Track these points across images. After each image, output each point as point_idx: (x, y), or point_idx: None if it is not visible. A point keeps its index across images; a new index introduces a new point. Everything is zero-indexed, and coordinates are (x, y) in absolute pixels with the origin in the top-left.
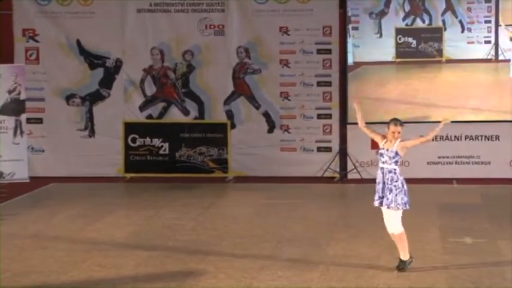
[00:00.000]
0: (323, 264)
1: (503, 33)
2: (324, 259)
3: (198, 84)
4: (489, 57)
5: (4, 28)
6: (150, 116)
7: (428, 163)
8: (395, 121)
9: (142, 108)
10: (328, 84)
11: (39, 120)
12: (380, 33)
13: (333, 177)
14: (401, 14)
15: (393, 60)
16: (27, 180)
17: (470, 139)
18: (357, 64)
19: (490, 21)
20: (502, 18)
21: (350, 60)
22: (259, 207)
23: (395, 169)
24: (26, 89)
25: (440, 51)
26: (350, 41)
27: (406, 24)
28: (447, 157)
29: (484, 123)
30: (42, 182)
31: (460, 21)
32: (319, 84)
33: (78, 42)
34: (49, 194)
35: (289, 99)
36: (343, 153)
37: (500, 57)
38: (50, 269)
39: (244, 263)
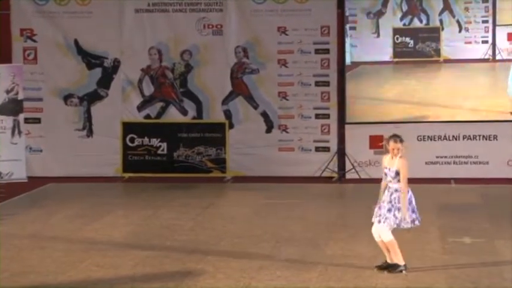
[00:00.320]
0: (321, 264)
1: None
2: (323, 259)
3: (196, 84)
4: (486, 57)
5: (2, 28)
6: (148, 116)
7: (426, 163)
8: (395, 138)
9: (140, 108)
10: (326, 84)
11: (37, 120)
12: (378, 33)
13: (331, 177)
14: (399, 14)
15: (391, 60)
16: (25, 180)
17: (468, 139)
18: (355, 64)
19: (487, 21)
20: (499, 18)
21: (348, 60)
22: (258, 207)
23: (401, 187)
24: (23, 89)
25: (437, 51)
26: (348, 41)
27: (404, 24)
28: (445, 157)
29: (482, 123)
30: (40, 182)
31: (458, 21)
32: (317, 84)
33: (76, 42)
34: (47, 194)
35: (287, 99)
36: (341, 153)
37: (498, 57)
38: (48, 269)
39: (243, 263)
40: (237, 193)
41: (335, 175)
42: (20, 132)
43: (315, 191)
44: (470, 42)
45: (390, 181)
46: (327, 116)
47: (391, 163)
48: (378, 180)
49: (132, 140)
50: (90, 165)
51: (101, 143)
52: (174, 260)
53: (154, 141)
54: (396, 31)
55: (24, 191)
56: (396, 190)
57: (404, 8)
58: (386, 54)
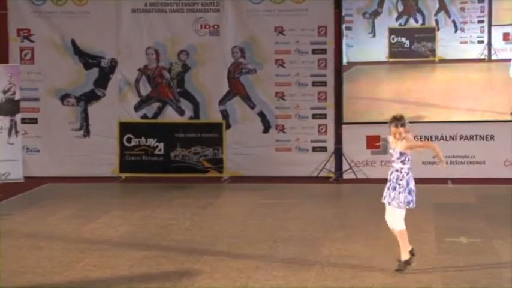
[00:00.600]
0: (318, 264)
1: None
2: (320, 259)
3: (193, 84)
4: (482, 57)
5: None
6: (145, 116)
7: (423, 163)
8: (396, 122)
9: (137, 108)
10: (323, 84)
11: (34, 120)
12: (373, 33)
13: (328, 177)
14: (395, 14)
15: (387, 60)
16: (22, 180)
17: (465, 139)
18: (351, 64)
19: (483, 21)
20: (495, 18)
21: (343, 60)
22: (255, 207)
23: (402, 168)
24: (20, 89)
25: (433, 51)
26: (344, 41)
27: (400, 24)
28: None
29: (479, 123)
30: (37, 182)
31: (453, 21)
32: (314, 84)
33: (73, 42)
34: (44, 194)
35: (284, 99)
36: (338, 153)
37: (493, 57)
38: (44, 269)
39: (240, 262)
40: (234, 193)
41: (332, 175)
42: (16, 132)
43: (312, 191)
44: (466, 42)
45: (394, 161)
46: (324, 116)
47: (395, 144)
48: (375, 180)
49: (129, 140)
50: (87, 166)
51: (97, 143)
52: (171, 260)
53: (151, 141)
54: (392, 31)
55: (21, 191)
56: (397, 170)
57: (400, 8)
58: (382, 55)
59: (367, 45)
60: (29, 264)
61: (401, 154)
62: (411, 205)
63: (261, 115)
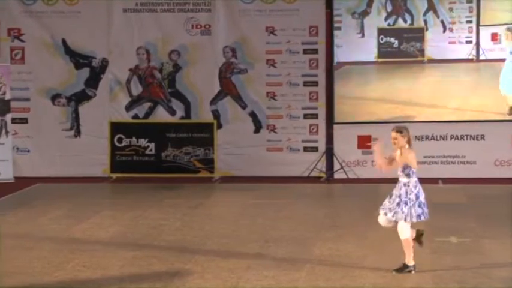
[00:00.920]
0: (309, 263)
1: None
2: (311, 259)
3: (184, 84)
4: (470, 57)
5: None
6: (136, 116)
7: None
8: (394, 127)
9: (128, 108)
10: (315, 84)
11: (24, 120)
12: (362, 33)
13: (320, 177)
14: (384, 14)
15: (375, 60)
16: (12, 181)
17: (455, 139)
18: (340, 64)
19: (471, 22)
20: (483, 18)
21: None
22: (246, 207)
23: (408, 182)
24: (11, 89)
25: (422, 51)
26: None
27: (388, 24)
28: (433, 157)
29: (469, 123)
30: (28, 183)
31: (442, 21)
32: (305, 84)
33: (64, 42)
34: (34, 194)
35: (275, 99)
36: (329, 153)
37: (482, 57)
38: (35, 270)
39: (231, 262)
40: (225, 193)
41: (323, 175)
42: (7, 132)
43: (303, 191)
44: (454, 43)
45: (400, 175)
46: (315, 116)
47: (399, 156)
48: (366, 180)
49: (120, 140)
50: (77, 166)
51: (88, 143)
52: (162, 260)
53: (143, 142)
54: (381, 31)
55: (11, 191)
56: (405, 185)
57: (389, 8)
58: (371, 55)
59: (356, 46)
60: (19, 265)
61: (405, 167)
62: (422, 218)
63: (252, 115)
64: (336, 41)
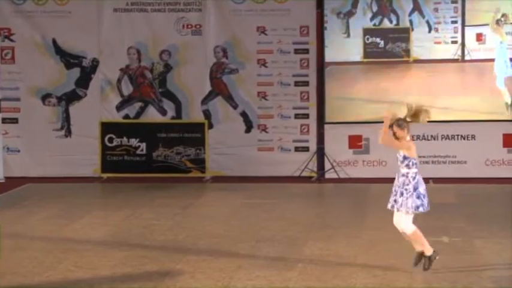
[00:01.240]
0: (301, 263)
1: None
2: (302, 258)
3: (175, 83)
4: (456, 57)
5: None
6: (127, 116)
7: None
8: (394, 122)
9: (119, 108)
10: (306, 83)
11: (14, 120)
12: (348, 33)
13: (311, 177)
14: (369, 14)
15: (361, 60)
16: (3, 181)
17: (446, 139)
18: (326, 64)
19: (456, 22)
20: (468, 18)
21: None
22: (237, 207)
23: (407, 172)
24: (1, 89)
25: (407, 52)
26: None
27: (374, 25)
28: (423, 156)
29: (460, 123)
30: (18, 183)
31: (427, 22)
32: (296, 83)
33: (54, 42)
34: (25, 194)
35: (266, 99)
36: (320, 153)
37: (467, 57)
38: (26, 270)
39: (222, 262)
40: (216, 193)
41: (314, 175)
42: None
43: (294, 191)
44: (439, 43)
45: (399, 166)
46: (307, 116)
47: (400, 144)
48: (357, 180)
49: (110, 140)
50: (68, 166)
51: (79, 143)
52: (153, 260)
53: (133, 141)
54: (366, 31)
55: (1, 191)
56: (403, 175)
57: (375, 8)
58: (357, 55)
59: (341, 46)
60: (10, 265)
61: (405, 158)
62: (420, 209)
63: (244, 115)
64: None
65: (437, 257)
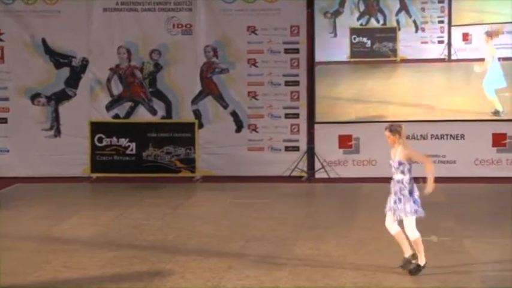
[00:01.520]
0: (291, 263)
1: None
2: (292, 258)
3: (165, 83)
4: (442, 57)
5: None
6: (116, 116)
7: None
8: (389, 127)
9: (109, 107)
10: (296, 83)
11: (3, 120)
12: (335, 33)
13: (301, 177)
14: (356, 14)
15: (348, 60)
16: None
17: (436, 138)
18: (313, 64)
19: (443, 21)
20: (455, 18)
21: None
22: (227, 207)
23: (402, 179)
24: None
25: (394, 51)
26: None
27: (361, 24)
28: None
29: (449, 123)
30: (7, 183)
31: (414, 21)
32: (287, 83)
33: (44, 41)
34: (14, 194)
35: (257, 99)
36: (310, 153)
37: (453, 57)
38: (15, 270)
39: (212, 262)
40: (207, 193)
41: (304, 174)
42: None
43: (284, 191)
44: (426, 42)
45: (394, 172)
46: (297, 116)
47: (393, 154)
48: (347, 180)
49: (100, 140)
50: (57, 166)
51: (68, 143)
52: (143, 260)
53: (123, 141)
54: (353, 31)
55: None
56: (398, 181)
57: (362, 8)
58: (344, 55)
59: (328, 45)
60: None
61: (400, 164)
62: (419, 213)
63: (234, 115)
64: None
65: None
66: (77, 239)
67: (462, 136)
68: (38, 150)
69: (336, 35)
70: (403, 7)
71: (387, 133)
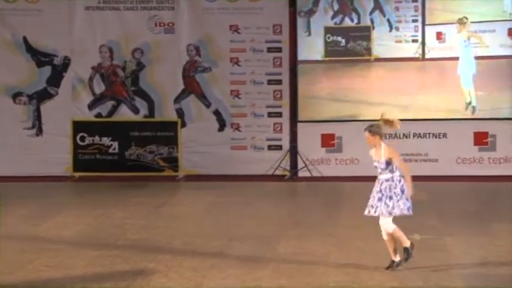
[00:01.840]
0: (274, 262)
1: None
2: (275, 257)
3: (148, 82)
4: (416, 55)
5: None
6: (99, 115)
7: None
8: (368, 127)
9: (91, 106)
10: (279, 82)
11: None
12: (309, 31)
13: (284, 175)
14: (330, 13)
15: (322, 59)
16: None
17: (418, 137)
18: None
19: (417, 20)
20: (428, 17)
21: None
22: (210, 206)
23: (392, 176)
24: None
25: (369, 50)
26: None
27: (335, 23)
28: None
29: (432, 121)
30: None
31: (388, 20)
32: (269, 82)
33: (25, 40)
34: None
35: (239, 98)
36: (293, 151)
37: (427, 56)
38: None
39: (195, 261)
40: (190, 192)
41: (287, 173)
42: None
43: (267, 189)
44: (400, 41)
45: (381, 172)
46: (280, 115)
47: (378, 154)
48: (330, 179)
49: (82, 138)
50: (39, 165)
51: (50, 141)
52: (126, 259)
53: (106, 140)
54: (327, 30)
55: None
56: (387, 180)
57: (336, 7)
58: (318, 53)
59: (302, 44)
60: None
61: (388, 163)
62: (410, 211)
63: (217, 113)
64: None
65: (399, 267)
66: (60, 238)
67: (444, 135)
68: (20, 149)
69: (310, 34)
70: (377, 6)
71: (367, 134)
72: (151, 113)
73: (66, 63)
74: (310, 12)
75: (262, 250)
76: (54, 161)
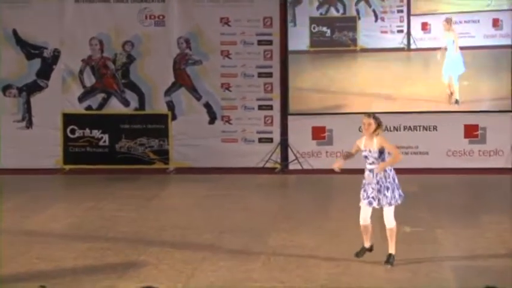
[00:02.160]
0: (264, 254)
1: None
2: (265, 249)
3: (138, 75)
4: (402, 46)
5: None
6: (89, 107)
7: None
8: (367, 113)
9: (81, 99)
10: (269, 75)
11: None
12: (294, 22)
13: (274, 168)
14: (316, 3)
15: (308, 49)
16: None
17: (408, 129)
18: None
19: (402, 11)
20: (414, 7)
21: None
22: (201, 199)
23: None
24: None
25: (354, 41)
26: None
27: (321, 14)
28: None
29: (422, 114)
30: None
31: (374, 11)
32: (260, 75)
33: (15, 32)
34: None
35: (230, 90)
36: (284, 144)
37: (412, 46)
38: None
39: (186, 254)
40: (180, 184)
41: (278, 166)
42: None
43: (258, 182)
44: (386, 32)
45: (373, 162)
46: (270, 107)
47: (369, 144)
48: (321, 171)
49: (72, 131)
50: (29, 157)
51: (40, 134)
52: (117, 251)
53: (96, 133)
54: (313, 20)
55: None
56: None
57: None
58: (303, 44)
59: (288, 35)
60: None
61: (381, 153)
62: (402, 199)
63: (207, 106)
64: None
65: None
66: (51, 231)
67: (435, 127)
68: (10, 141)
69: (295, 25)
70: None
71: (370, 120)
72: (141, 105)
73: (56, 56)
74: (296, 3)
75: (253, 242)
76: (44, 153)
